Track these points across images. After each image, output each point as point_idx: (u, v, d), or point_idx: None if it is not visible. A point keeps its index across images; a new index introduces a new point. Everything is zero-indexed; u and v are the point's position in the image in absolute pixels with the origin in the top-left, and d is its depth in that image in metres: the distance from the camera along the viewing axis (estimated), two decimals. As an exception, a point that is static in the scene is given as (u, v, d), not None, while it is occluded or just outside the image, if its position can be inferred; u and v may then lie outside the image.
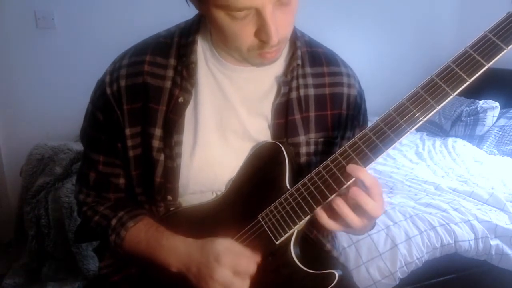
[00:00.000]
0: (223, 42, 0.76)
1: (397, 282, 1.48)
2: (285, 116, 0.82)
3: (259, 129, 0.83)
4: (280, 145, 0.80)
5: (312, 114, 0.84)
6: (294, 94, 0.83)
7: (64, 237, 1.75)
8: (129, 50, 0.86)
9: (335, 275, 0.72)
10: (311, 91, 0.84)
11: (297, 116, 0.83)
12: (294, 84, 0.83)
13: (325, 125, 0.85)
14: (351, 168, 0.69)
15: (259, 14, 0.66)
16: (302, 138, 0.83)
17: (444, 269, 1.60)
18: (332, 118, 0.85)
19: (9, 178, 2.42)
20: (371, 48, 2.99)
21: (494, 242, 1.60)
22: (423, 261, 1.52)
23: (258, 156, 0.82)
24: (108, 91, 0.82)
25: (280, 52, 0.77)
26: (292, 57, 0.83)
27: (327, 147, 0.85)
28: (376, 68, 2.99)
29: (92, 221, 0.89)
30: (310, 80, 0.84)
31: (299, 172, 0.81)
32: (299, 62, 0.83)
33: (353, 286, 0.91)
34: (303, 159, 0.83)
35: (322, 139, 0.84)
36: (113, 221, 0.85)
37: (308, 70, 0.85)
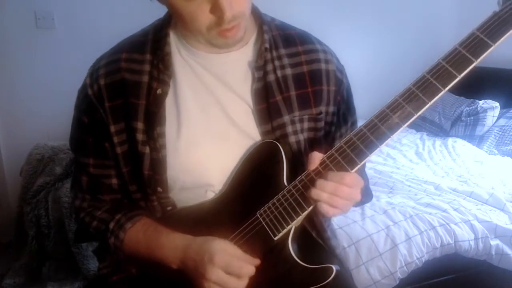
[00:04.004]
0: (185, 28, 0.78)
1: (397, 282, 1.48)
2: (266, 100, 0.83)
3: (241, 114, 0.84)
4: (278, 143, 0.80)
5: (293, 93, 0.84)
6: (272, 77, 0.83)
7: (64, 237, 1.76)
8: (106, 52, 0.88)
9: (332, 269, 0.72)
10: (289, 71, 0.84)
11: (278, 98, 0.83)
12: (269, 67, 0.84)
13: (308, 103, 0.85)
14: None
15: None
16: (286, 118, 0.83)
17: (444, 269, 1.60)
18: (314, 95, 0.86)
19: (9, 178, 2.42)
20: (370, 47, 2.99)
21: (494, 242, 1.60)
22: (423, 261, 1.52)
23: (255, 154, 0.82)
24: (90, 92, 0.85)
25: (241, 30, 0.77)
26: (261, 42, 0.84)
27: (313, 123, 0.86)
28: (375, 67, 2.99)
29: (91, 227, 0.89)
30: (286, 61, 0.85)
31: (293, 157, 0.82)
32: (267, 45, 0.83)
33: (352, 286, 0.91)
34: (291, 138, 0.84)
35: (306, 116, 0.85)
36: (111, 224, 0.86)
37: (283, 51, 0.85)
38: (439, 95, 0.67)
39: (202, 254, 0.74)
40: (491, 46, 0.65)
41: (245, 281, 0.73)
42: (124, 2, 2.36)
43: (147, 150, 0.82)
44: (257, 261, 0.76)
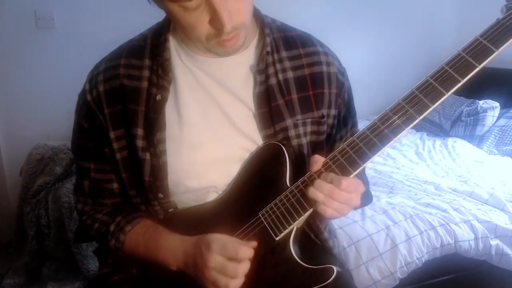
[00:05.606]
0: (185, 35, 0.78)
1: (397, 282, 1.48)
2: (268, 104, 0.82)
3: (243, 118, 0.83)
4: (281, 145, 0.80)
5: (294, 96, 0.84)
6: (273, 80, 0.83)
7: (64, 237, 1.75)
8: (105, 57, 0.88)
9: (333, 269, 0.73)
10: (290, 74, 0.84)
11: (280, 101, 0.83)
12: (271, 70, 0.83)
13: (310, 106, 0.85)
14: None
15: (209, 2, 0.67)
16: (289, 122, 0.83)
17: (444, 269, 1.60)
18: (315, 98, 0.85)
19: (9, 178, 2.42)
20: (370, 48, 2.99)
21: (494, 242, 1.60)
22: (423, 261, 1.52)
23: (259, 156, 0.82)
24: (89, 98, 0.85)
25: (240, 39, 0.76)
26: (262, 45, 0.83)
27: (315, 127, 0.86)
28: (375, 67, 3.00)
29: (93, 229, 0.90)
30: (287, 64, 0.84)
31: (296, 159, 0.82)
32: (269, 49, 0.83)
33: (353, 287, 0.91)
34: (294, 142, 0.84)
35: (309, 119, 0.85)
36: (112, 227, 0.87)
37: (284, 54, 0.85)
38: (442, 99, 0.68)
39: (199, 246, 0.75)
40: (494, 52, 0.67)
41: (244, 265, 0.72)
42: (124, 2, 2.36)
43: (147, 156, 0.82)
44: (253, 244, 0.75)
